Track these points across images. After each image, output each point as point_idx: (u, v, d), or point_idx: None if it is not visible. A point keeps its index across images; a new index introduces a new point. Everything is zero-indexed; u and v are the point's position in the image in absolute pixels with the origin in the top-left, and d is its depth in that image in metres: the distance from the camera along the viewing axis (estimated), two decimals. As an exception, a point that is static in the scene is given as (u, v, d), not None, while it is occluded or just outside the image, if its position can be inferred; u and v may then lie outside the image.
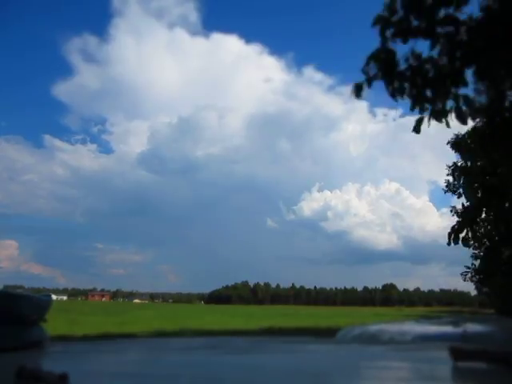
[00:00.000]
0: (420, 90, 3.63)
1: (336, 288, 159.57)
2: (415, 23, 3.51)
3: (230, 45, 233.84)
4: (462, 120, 3.59)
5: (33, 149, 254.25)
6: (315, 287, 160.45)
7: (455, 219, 21.21)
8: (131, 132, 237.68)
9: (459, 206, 21.40)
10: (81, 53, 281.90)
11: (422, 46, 3.68)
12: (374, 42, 3.79)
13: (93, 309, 30.95)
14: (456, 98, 3.59)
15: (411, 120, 3.92)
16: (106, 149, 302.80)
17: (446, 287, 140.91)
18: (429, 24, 3.45)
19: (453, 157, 21.10)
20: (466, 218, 5.36)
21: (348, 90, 3.88)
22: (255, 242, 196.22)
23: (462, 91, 3.65)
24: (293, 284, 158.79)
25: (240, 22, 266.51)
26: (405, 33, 3.49)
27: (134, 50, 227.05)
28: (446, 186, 21.63)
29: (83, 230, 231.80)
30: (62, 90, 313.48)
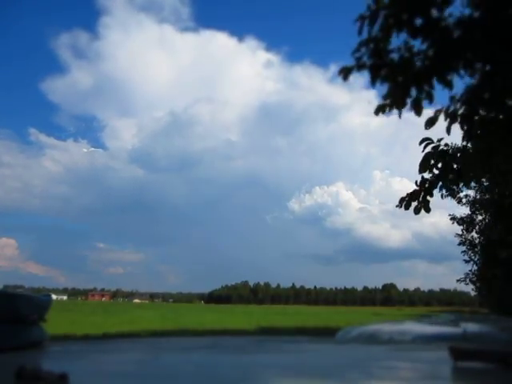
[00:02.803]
0: (406, 81, 3.69)
1: (336, 288, 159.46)
2: (405, 18, 3.54)
3: (223, 40, 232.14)
4: (418, 113, 3.78)
5: (24, 145, 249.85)
6: (315, 287, 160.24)
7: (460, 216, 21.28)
8: (128, 129, 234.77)
9: (457, 214, 21.57)
10: (71, 49, 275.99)
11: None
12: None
13: (93, 309, 30.98)
14: (419, 90, 3.70)
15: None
16: (101, 146, 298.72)
17: (446, 287, 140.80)
18: (419, 22, 3.51)
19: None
20: (421, 189, 5.40)
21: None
22: (255, 240, 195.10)
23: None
24: (293, 284, 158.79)
25: (233, 17, 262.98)
26: (394, 27, 3.54)
27: (126, 47, 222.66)
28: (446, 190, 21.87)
29: (83, 230, 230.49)
30: (53, 87, 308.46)
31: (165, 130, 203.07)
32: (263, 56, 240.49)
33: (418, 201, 5.23)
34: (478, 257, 21.53)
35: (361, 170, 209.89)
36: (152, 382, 6.34)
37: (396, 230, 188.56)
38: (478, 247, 21.00)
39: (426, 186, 5.27)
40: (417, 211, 5.26)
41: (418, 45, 3.68)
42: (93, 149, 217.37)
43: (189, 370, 7.35)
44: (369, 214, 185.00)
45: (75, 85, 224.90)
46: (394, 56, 3.65)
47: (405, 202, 5.25)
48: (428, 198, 5.26)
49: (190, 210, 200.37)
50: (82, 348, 10.65)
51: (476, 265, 21.78)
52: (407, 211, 5.19)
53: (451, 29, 3.46)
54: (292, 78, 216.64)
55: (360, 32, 3.59)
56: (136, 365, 8.14)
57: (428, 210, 5.27)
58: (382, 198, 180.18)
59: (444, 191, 5.51)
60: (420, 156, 5.18)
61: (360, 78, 3.92)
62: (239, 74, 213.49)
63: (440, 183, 5.31)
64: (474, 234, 21.32)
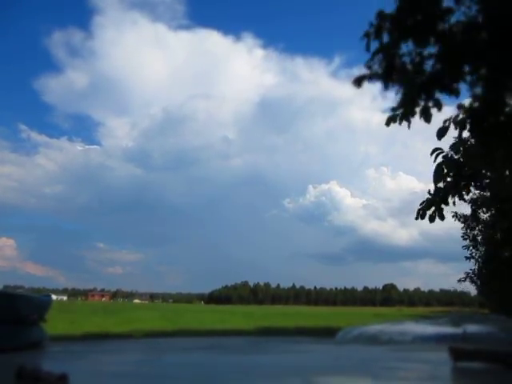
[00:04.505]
0: (418, 85, 3.69)
1: (336, 288, 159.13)
2: (412, 23, 3.55)
3: (219, 37, 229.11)
4: (427, 120, 3.78)
5: (18, 143, 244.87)
6: (315, 287, 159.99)
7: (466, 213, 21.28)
8: (123, 127, 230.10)
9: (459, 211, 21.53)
10: (65, 47, 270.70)
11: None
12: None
13: (93, 309, 30.96)
14: (427, 98, 3.72)
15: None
16: (96, 144, 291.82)
17: (446, 287, 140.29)
18: (425, 25, 3.51)
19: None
20: (435, 199, 5.50)
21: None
22: (255, 240, 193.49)
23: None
24: (293, 284, 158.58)
25: (229, 15, 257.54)
26: (403, 32, 3.55)
27: (120, 45, 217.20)
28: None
29: (82, 229, 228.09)
30: (46, 86, 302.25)
31: (161, 127, 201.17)
32: (260, 53, 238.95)
33: (432, 209, 5.30)
34: (479, 254, 21.40)
35: (359, 168, 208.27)
36: (152, 383, 6.35)
37: (403, 228, 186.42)
38: (481, 245, 20.89)
39: (440, 194, 5.33)
40: (432, 219, 5.34)
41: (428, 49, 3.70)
42: (88, 146, 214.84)
43: (189, 371, 7.35)
44: (371, 212, 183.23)
45: (69, 83, 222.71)
46: (406, 59, 3.68)
47: (420, 212, 5.32)
48: (443, 206, 5.34)
49: (189, 209, 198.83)
50: (81, 348, 10.65)
51: (478, 263, 21.65)
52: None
53: (456, 34, 3.47)
54: (290, 73, 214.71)
55: (368, 48, 3.63)
56: (136, 365, 8.14)
57: (442, 218, 5.39)
58: (386, 196, 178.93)
59: (457, 198, 5.62)
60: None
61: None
62: (235, 70, 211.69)
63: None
64: (476, 231, 21.25)
